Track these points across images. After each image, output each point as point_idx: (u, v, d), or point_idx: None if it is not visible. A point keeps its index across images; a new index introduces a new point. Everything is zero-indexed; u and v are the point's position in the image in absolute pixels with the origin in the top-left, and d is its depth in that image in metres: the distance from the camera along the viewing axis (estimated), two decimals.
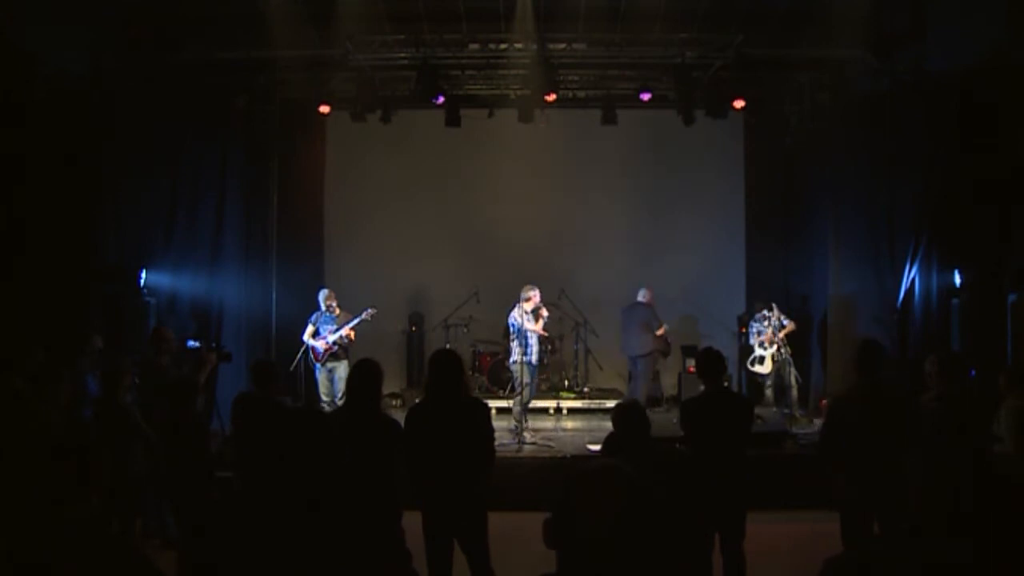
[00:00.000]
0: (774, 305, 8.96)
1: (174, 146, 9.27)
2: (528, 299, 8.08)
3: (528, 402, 8.31)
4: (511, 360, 8.20)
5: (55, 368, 5.08)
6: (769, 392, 9.09)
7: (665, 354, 9.70)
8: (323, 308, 8.21)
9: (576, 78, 10.29)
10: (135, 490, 5.25)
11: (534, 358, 8.13)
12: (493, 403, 8.12)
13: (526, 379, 8.07)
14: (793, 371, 8.80)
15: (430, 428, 4.31)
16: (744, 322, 10.53)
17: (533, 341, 8.10)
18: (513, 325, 8.09)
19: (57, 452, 3.68)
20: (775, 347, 8.82)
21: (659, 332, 9.34)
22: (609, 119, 10.19)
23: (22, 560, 3.01)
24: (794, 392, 8.81)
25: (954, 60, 7.70)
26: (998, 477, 4.30)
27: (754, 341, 8.96)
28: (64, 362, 5.63)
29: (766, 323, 8.90)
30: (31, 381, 4.74)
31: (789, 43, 8.74)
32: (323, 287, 8.53)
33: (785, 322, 8.86)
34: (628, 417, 4.08)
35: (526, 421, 8.18)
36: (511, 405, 8.24)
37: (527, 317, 8.04)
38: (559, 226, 11.11)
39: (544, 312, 8.21)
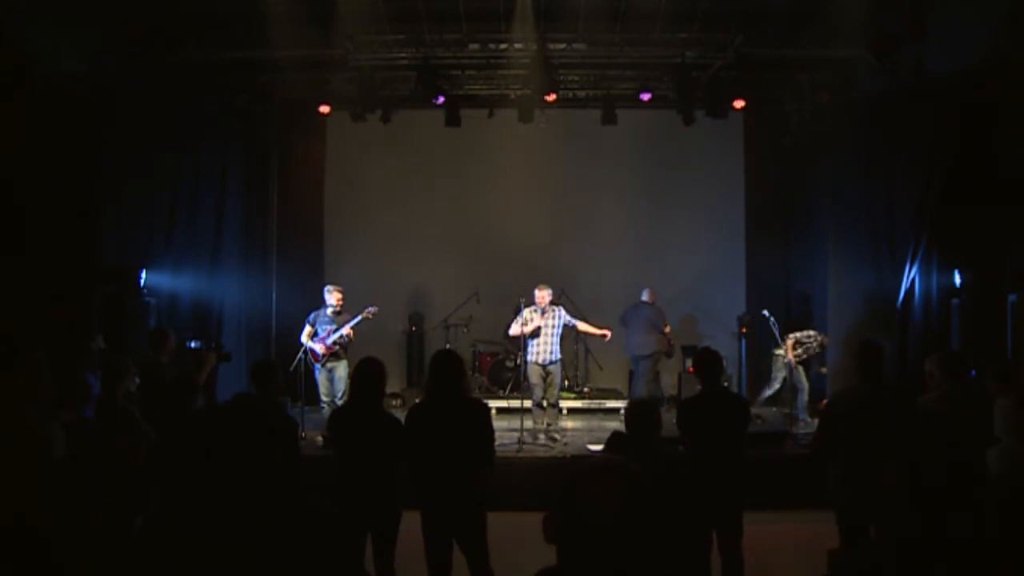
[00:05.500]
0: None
1: (174, 146, 9.27)
2: (537, 298, 8.15)
3: (557, 400, 8.40)
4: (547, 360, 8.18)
5: (56, 369, 5.08)
6: (770, 391, 9.14)
7: (669, 355, 9.72)
8: (329, 304, 8.17)
9: (576, 78, 10.29)
10: (135, 490, 5.25)
11: (539, 358, 8.13)
12: (493, 403, 8.16)
13: (534, 379, 8.11)
14: (802, 373, 8.87)
15: (430, 428, 4.32)
16: (745, 322, 10.55)
17: (543, 338, 8.10)
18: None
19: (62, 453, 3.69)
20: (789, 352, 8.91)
21: (666, 329, 9.38)
22: (609, 119, 10.19)
23: (25, 559, 3.01)
24: (805, 396, 8.86)
25: (954, 60, 7.69)
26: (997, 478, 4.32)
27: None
28: (65, 362, 5.63)
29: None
30: (31, 381, 4.74)
31: (789, 43, 8.72)
32: (327, 284, 8.50)
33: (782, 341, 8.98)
34: (640, 416, 4.07)
35: (547, 422, 8.23)
36: (544, 405, 8.29)
37: (536, 316, 8.06)
38: (559, 226, 11.11)
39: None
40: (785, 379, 9.01)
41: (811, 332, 9.04)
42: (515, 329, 8.15)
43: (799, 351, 8.90)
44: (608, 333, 8.60)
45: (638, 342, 9.33)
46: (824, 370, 9.33)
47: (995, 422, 4.48)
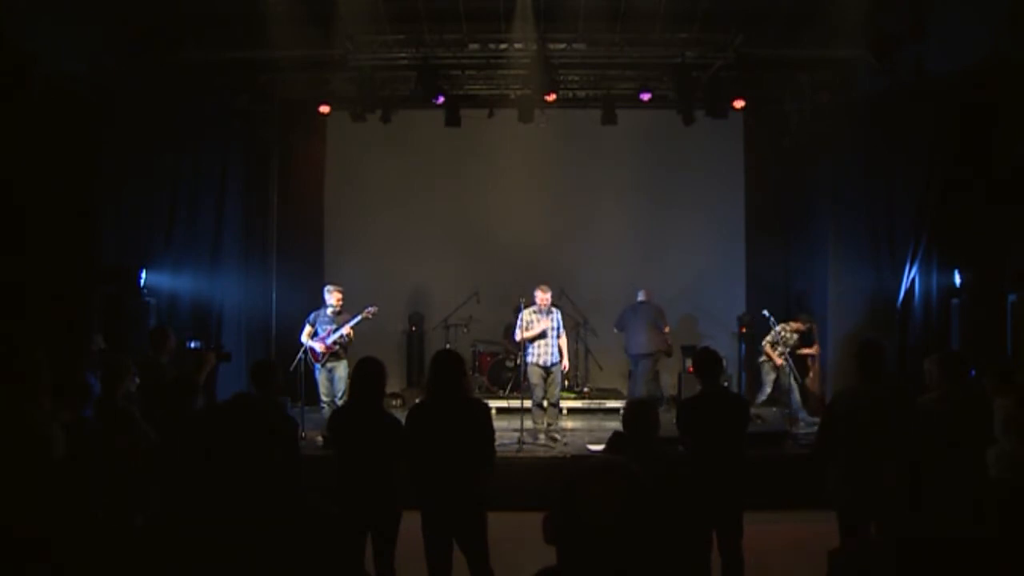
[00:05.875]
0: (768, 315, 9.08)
1: (174, 146, 9.27)
2: (536, 299, 8.14)
3: (557, 400, 8.37)
4: (539, 361, 8.16)
5: (56, 369, 5.08)
6: (763, 397, 9.16)
7: (668, 354, 9.74)
8: (329, 303, 8.18)
9: (576, 78, 10.29)
10: (135, 490, 5.24)
11: (540, 359, 8.14)
12: (493, 403, 8.17)
13: (534, 380, 8.11)
14: (792, 373, 8.89)
15: (431, 428, 4.33)
16: (745, 322, 10.58)
17: (545, 340, 8.10)
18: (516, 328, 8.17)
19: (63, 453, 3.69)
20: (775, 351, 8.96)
21: (666, 329, 9.41)
22: (609, 119, 10.18)
23: (25, 559, 3.01)
24: (796, 395, 8.88)
25: (954, 60, 7.68)
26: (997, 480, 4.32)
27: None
28: (65, 362, 5.63)
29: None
30: (31, 381, 4.74)
31: (789, 43, 8.73)
32: (327, 284, 8.51)
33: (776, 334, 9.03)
34: (639, 415, 4.07)
35: (548, 422, 8.24)
36: (545, 405, 8.26)
37: (537, 318, 8.06)
38: (559, 226, 11.11)
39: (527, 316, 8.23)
40: (776, 381, 9.05)
41: (778, 327, 9.06)
42: (520, 334, 8.13)
43: (780, 350, 8.93)
44: (567, 367, 8.50)
45: (639, 341, 9.33)
46: (805, 349, 9.31)
47: (995, 422, 4.48)
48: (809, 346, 9.34)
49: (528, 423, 8.07)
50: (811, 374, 9.65)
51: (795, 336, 9.03)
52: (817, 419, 8.68)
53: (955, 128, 7.89)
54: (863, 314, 8.92)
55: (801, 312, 9.54)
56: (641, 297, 9.54)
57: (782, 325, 9.05)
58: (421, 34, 8.84)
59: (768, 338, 9.04)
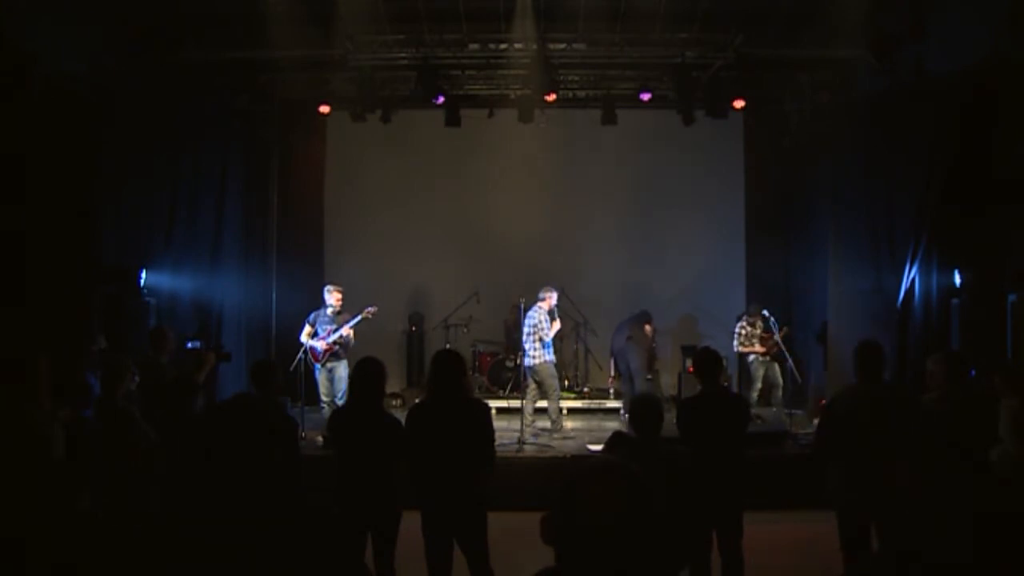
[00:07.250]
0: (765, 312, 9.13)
1: (174, 146, 9.27)
2: (544, 299, 8.18)
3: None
4: (537, 360, 8.21)
5: (56, 369, 5.08)
6: (755, 394, 9.20)
7: (651, 356, 9.82)
8: (329, 303, 8.19)
9: (576, 78, 10.29)
10: (135, 490, 5.24)
11: (555, 357, 8.31)
12: (493, 403, 8.18)
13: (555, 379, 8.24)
14: (779, 370, 8.95)
15: (431, 428, 4.33)
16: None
17: (550, 341, 8.26)
18: (528, 327, 8.19)
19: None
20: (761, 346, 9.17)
21: (647, 326, 9.53)
22: (609, 119, 10.19)
23: (26, 559, 3.02)
24: (779, 392, 8.96)
25: (954, 60, 7.68)
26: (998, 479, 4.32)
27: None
28: (65, 362, 5.63)
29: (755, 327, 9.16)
30: (32, 382, 4.74)
31: (789, 43, 8.73)
32: (327, 284, 8.52)
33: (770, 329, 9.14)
34: (644, 412, 4.07)
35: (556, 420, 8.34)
36: (547, 405, 8.33)
37: (546, 319, 8.12)
38: (559, 226, 11.11)
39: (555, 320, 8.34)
40: (764, 375, 9.14)
41: (737, 328, 9.28)
42: (551, 332, 8.22)
43: (756, 343, 9.12)
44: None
45: (623, 334, 9.48)
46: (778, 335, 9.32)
47: (1001, 422, 4.48)
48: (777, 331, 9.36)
49: (543, 423, 8.17)
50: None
51: (753, 327, 9.18)
52: (795, 411, 8.85)
53: (955, 128, 7.88)
54: (863, 314, 8.91)
55: (750, 304, 9.65)
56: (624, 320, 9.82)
57: (740, 325, 9.28)
58: (421, 34, 8.84)
59: (735, 343, 9.25)
